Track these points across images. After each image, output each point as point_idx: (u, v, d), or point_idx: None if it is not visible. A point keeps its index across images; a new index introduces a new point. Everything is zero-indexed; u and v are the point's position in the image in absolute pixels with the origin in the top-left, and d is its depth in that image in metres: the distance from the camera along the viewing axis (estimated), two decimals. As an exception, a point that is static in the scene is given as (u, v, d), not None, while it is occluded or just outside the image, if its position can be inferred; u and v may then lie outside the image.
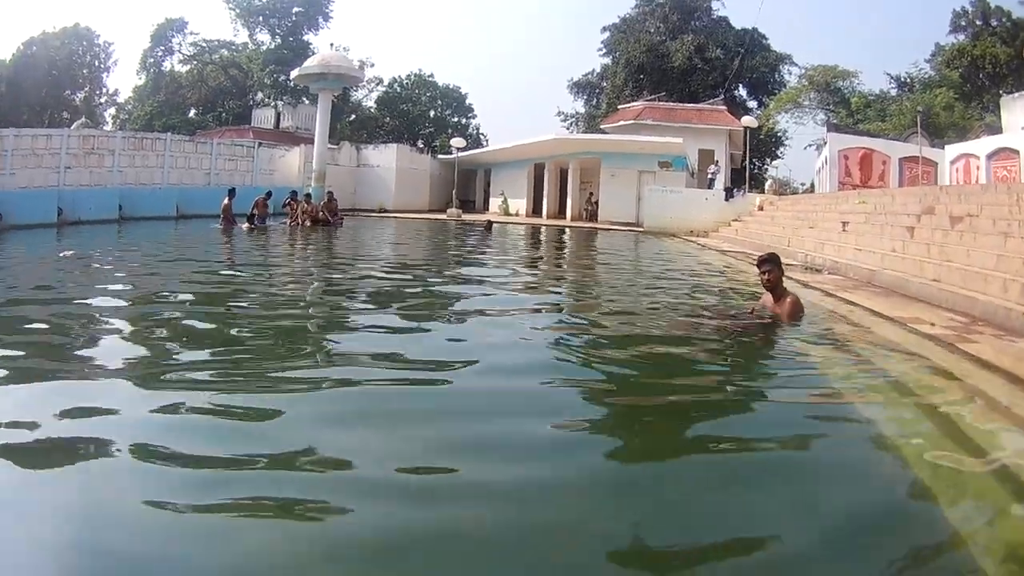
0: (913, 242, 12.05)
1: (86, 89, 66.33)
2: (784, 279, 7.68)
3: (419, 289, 11.27)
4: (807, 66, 57.53)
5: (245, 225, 23.16)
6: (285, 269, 14.10)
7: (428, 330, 7.74)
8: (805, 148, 61.51)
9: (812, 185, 51.93)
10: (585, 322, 8.45)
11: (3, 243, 17.38)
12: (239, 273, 13.11)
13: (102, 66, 66.76)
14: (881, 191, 22.90)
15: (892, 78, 54.62)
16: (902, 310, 8.49)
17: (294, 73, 35.16)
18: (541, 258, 19.12)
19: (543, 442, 4.12)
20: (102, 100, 68.90)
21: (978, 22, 50.26)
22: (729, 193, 29.88)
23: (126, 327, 7.46)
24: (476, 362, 5.79)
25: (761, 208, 26.49)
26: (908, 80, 53.31)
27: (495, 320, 8.27)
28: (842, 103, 53.41)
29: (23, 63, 59.85)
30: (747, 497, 3.44)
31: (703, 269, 15.49)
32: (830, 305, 9.45)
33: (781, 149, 61.00)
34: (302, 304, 9.52)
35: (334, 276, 13.05)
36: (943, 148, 31.31)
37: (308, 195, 27.53)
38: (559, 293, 11.71)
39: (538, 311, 9.20)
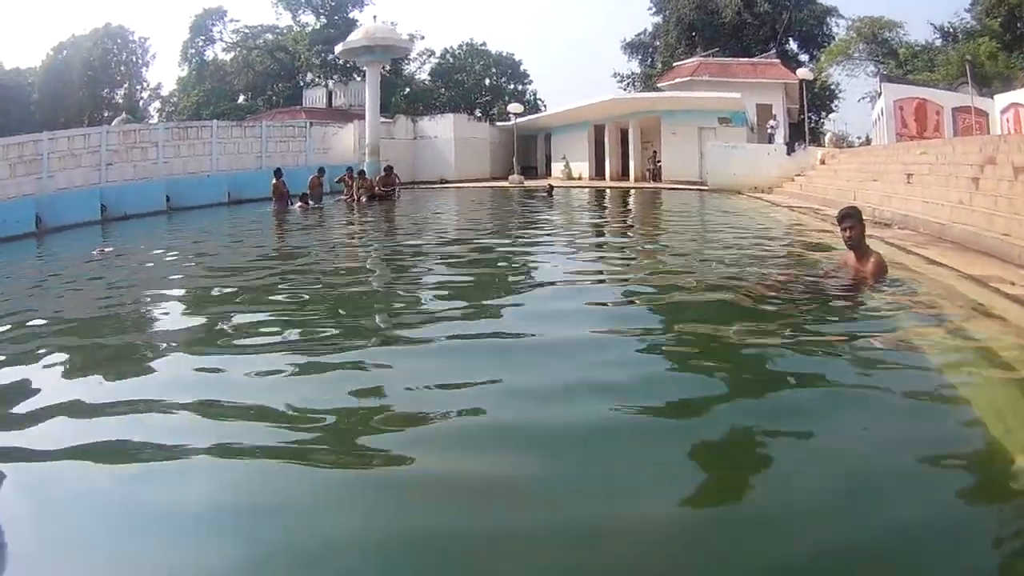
0: (979, 193, 11.52)
1: (125, 86, 67.16)
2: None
3: (469, 264, 10.74)
4: (853, 17, 56.21)
5: (298, 205, 23.14)
6: (336, 247, 14.06)
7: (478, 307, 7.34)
8: (859, 101, 59.77)
9: (867, 138, 51.04)
10: (657, 293, 7.96)
11: (42, 246, 17.72)
12: (294, 253, 13.36)
13: (140, 61, 67.59)
14: (941, 142, 22.14)
15: (936, 28, 52.68)
16: (979, 267, 8.15)
17: (338, 48, 35.27)
18: (623, 224, 18.52)
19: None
20: (144, 95, 69.53)
21: None
22: (791, 147, 29.27)
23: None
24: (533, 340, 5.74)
25: (823, 162, 25.88)
26: (952, 30, 51.22)
27: (558, 291, 7.99)
28: (891, 54, 52.23)
29: (55, 68, 61.02)
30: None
31: (777, 228, 15.08)
32: (908, 261, 9.03)
33: (835, 102, 59.54)
34: (358, 284, 9.44)
35: (386, 252, 12.98)
36: (992, 98, 30.75)
37: (362, 171, 27.49)
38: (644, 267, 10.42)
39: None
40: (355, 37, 33.85)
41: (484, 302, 7.57)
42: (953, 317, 6.05)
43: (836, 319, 6.23)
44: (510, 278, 9.35)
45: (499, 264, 10.61)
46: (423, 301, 8.01)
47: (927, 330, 5.64)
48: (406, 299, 8.20)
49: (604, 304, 7.47)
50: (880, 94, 36.98)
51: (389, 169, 27.76)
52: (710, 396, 4.23)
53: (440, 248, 12.81)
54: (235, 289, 8.92)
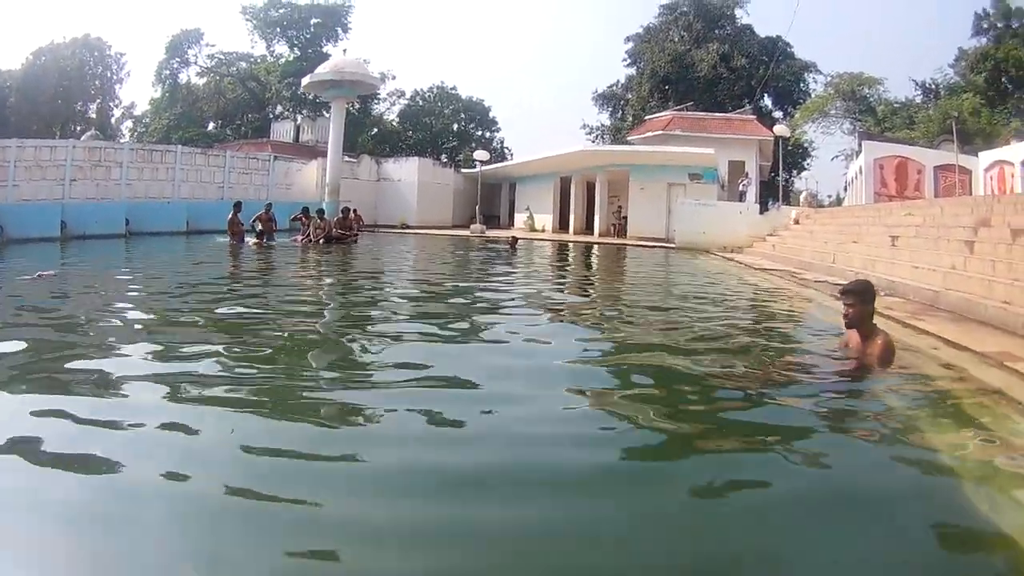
0: (975, 258, 10.90)
1: (98, 100, 66.53)
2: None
3: (433, 323, 9.42)
4: (832, 74, 57.08)
5: (252, 241, 22.57)
6: (283, 293, 12.40)
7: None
8: (833, 159, 61.36)
9: (838, 198, 51.47)
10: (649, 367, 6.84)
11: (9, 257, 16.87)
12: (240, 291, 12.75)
13: (114, 77, 67.00)
14: (927, 202, 21.40)
15: (917, 84, 53.68)
16: (985, 342, 7.20)
17: (305, 80, 34.61)
18: (584, 282, 17.41)
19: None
20: (118, 113, 69.02)
21: (999, 24, 48.85)
22: (764, 206, 28.75)
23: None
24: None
25: (797, 222, 25.29)
26: (934, 86, 52.35)
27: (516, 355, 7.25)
28: (868, 111, 53.01)
29: (33, 73, 60.19)
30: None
31: (752, 293, 14.13)
32: (904, 336, 7.95)
33: (808, 160, 59.99)
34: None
35: (340, 300, 12.13)
36: (976, 155, 30.24)
37: (320, 210, 26.22)
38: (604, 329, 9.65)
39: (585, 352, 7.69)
40: (323, 70, 33.46)
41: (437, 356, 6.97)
42: (980, 417, 4.88)
43: (824, 417, 5.01)
44: (467, 334, 8.61)
45: (455, 321, 9.65)
46: (364, 352, 7.33)
47: (946, 435, 4.55)
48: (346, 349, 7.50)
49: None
50: (859, 152, 36.78)
51: (347, 211, 26.81)
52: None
53: (394, 304, 11.73)
54: (170, 336, 7.93)
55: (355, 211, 27.37)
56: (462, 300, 12.18)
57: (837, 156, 58.88)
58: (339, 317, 10.04)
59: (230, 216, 23.08)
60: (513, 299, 11.98)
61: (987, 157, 28.97)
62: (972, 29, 50.89)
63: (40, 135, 35.27)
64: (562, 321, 10.15)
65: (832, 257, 16.58)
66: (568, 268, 21.25)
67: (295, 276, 15.95)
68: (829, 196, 52.76)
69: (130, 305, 10.04)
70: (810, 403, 5.21)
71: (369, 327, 9.03)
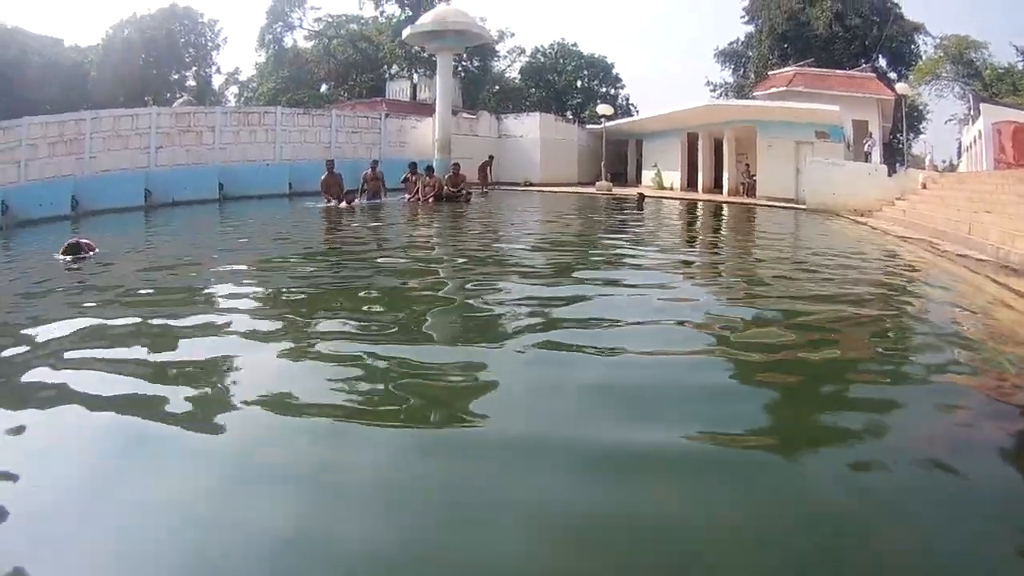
0: None
1: (194, 68, 67.16)
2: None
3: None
4: (940, 36, 55.29)
5: (343, 203, 22.17)
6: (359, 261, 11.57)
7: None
8: (946, 122, 59.22)
9: (951, 164, 49.52)
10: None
11: (80, 228, 17.01)
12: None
13: (210, 44, 67.44)
14: None
15: (1019, 50, 51.58)
16: None
17: (406, 32, 33.80)
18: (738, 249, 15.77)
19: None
20: (220, 79, 69.83)
21: None
22: (892, 168, 27.55)
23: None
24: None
25: (924, 186, 23.98)
26: None
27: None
28: (975, 76, 51.25)
29: (115, 46, 60.71)
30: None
31: (905, 269, 12.23)
32: None
33: (922, 124, 58.18)
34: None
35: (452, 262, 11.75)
36: None
37: (430, 167, 26.05)
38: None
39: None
40: (424, 20, 32.63)
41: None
42: None
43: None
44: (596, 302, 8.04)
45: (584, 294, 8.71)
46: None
47: None
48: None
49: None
50: (973, 116, 35.89)
51: (457, 166, 26.54)
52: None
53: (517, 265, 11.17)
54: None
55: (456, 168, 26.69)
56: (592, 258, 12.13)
57: (950, 120, 57.26)
58: (456, 284, 9.53)
59: (324, 176, 23.21)
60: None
61: (1108, 122, 26.47)
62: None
63: (128, 106, 35.33)
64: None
65: (967, 227, 15.12)
66: (712, 233, 19.88)
67: (376, 242, 15.27)
68: (943, 161, 50.47)
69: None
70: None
71: (500, 294, 8.52)
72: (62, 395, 4.55)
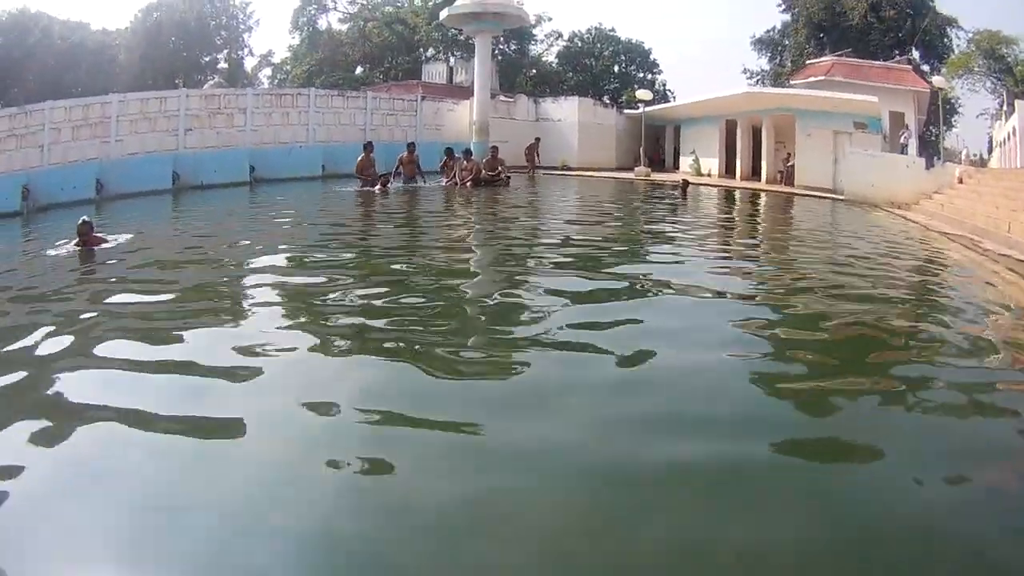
0: None
1: (226, 51, 67.19)
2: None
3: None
4: (972, 30, 54.76)
5: (377, 187, 21.68)
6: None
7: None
8: (978, 116, 58.87)
9: (981, 159, 49.49)
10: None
11: (105, 212, 17.12)
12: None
13: (242, 26, 67.43)
14: None
15: None
16: None
17: (444, 13, 33.33)
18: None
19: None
20: (253, 61, 69.86)
21: None
22: (929, 161, 27.45)
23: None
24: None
25: (960, 181, 23.70)
26: None
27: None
28: (1007, 71, 50.73)
29: (145, 30, 60.75)
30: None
31: (954, 267, 11.99)
32: None
33: (955, 118, 57.94)
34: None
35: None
36: None
37: (468, 150, 25.79)
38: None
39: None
40: (464, 1, 31.99)
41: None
42: None
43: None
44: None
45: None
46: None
47: None
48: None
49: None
50: (1007, 112, 35.89)
51: (495, 149, 26.27)
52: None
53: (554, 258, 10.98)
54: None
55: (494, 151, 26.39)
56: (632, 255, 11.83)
57: (982, 114, 57.18)
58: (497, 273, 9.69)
59: (360, 159, 22.72)
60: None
61: None
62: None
63: (158, 88, 35.25)
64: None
65: (1007, 225, 14.76)
66: (759, 226, 19.33)
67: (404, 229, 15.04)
68: (974, 155, 50.35)
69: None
70: None
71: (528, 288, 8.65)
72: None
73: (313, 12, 63.07)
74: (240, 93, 31.04)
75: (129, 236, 12.09)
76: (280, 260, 10.39)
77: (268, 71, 69.98)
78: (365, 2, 64.15)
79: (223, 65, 66.63)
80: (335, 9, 63.80)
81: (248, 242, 12.35)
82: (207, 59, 66.00)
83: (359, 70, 63.43)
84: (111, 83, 53.11)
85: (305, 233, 14.13)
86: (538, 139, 34.35)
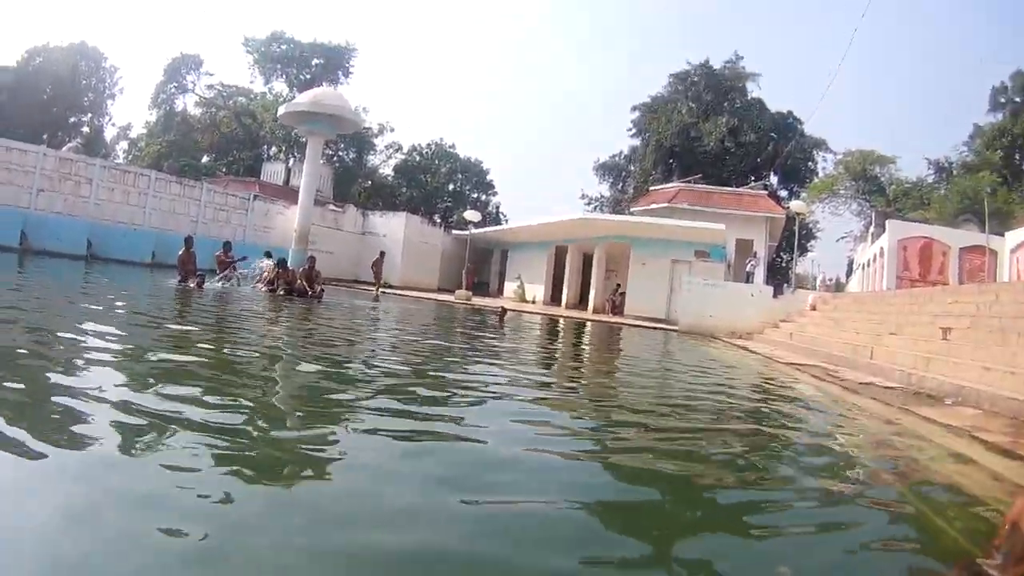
0: None
1: (90, 115, 65.64)
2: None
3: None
4: (842, 151, 56.70)
5: (193, 282, 19.67)
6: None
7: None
8: (838, 240, 60.88)
9: (837, 282, 50.69)
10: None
11: None
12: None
13: (107, 91, 65.96)
14: (977, 288, 18.01)
15: (931, 163, 53.51)
16: None
17: (281, 110, 32.16)
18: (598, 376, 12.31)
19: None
20: (112, 131, 68.18)
21: (1017, 99, 49.10)
22: (777, 289, 26.92)
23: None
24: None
25: (814, 308, 23.15)
26: (947, 164, 52.32)
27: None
28: (878, 192, 52.46)
29: (26, 73, 59.19)
30: None
31: (801, 407, 9.50)
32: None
33: (811, 242, 59.46)
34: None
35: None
36: (1002, 235, 29.52)
37: (283, 260, 23.43)
38: None
39: None
40: (301, 99, 31.18)
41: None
42: None
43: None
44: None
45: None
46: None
47: None
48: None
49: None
50: (873, 233, 36.25)
51: (313, 260, 23.72)
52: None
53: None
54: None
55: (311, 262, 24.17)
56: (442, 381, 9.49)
57: (843, 237, 58.71)
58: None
59: (180, 253, 20.44)
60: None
61: (1015, 237, 28.20)
62: (989, 104, 51.42)
63: (27, 141, 33.24)
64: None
65: (870, 351, 13.80)
66: (575, 353, 16.89)
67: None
68: (830, 280, 51.21)
69: None
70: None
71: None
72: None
73: (173, 91, 62.39)
74: (89, 162, 29.59)
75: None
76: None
77: (125, 144, 68.64)
78: (221, 88, 63.30)
79: (86, 129, 65.01)
80: (193, 91, 63.25)
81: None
82: (72, 120, 64.33)
83: (205, 158, 62.30)
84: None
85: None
86: (383, 253, 31.76)
